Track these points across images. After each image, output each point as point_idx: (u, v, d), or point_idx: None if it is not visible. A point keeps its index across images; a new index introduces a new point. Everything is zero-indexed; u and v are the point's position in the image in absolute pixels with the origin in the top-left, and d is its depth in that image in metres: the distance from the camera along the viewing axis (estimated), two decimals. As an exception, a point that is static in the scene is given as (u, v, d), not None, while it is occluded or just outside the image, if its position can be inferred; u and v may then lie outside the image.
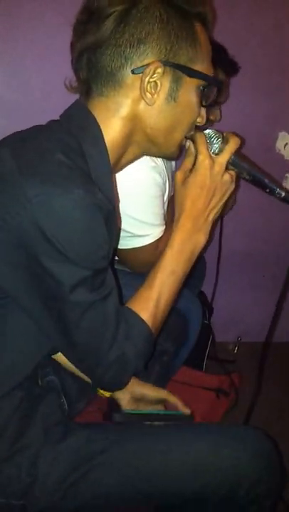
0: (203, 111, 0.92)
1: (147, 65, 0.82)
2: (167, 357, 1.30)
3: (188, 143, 0.93)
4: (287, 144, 2.05)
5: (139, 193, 1.10)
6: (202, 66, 0.86)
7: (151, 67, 0.82)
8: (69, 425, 0.96)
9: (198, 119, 0.92)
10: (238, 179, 0.96)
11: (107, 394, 1.09)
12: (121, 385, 0.91)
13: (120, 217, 1.11)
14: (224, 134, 0.93)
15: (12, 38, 1.70)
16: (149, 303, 0.90)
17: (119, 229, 1.12)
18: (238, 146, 0.92)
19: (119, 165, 0.94)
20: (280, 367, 2.16)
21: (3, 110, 1.76)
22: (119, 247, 1.31)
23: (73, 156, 0.80)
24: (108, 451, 0.91)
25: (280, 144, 2.05)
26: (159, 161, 1.30)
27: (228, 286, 2.20)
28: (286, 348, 2.27)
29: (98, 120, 0.86)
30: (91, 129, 0.86)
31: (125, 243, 1.30)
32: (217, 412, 1.71)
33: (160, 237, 1.32)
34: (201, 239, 0.93)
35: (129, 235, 1.28)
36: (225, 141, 0.92)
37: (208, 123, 1.55)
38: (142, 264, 1.21)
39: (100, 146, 0.86)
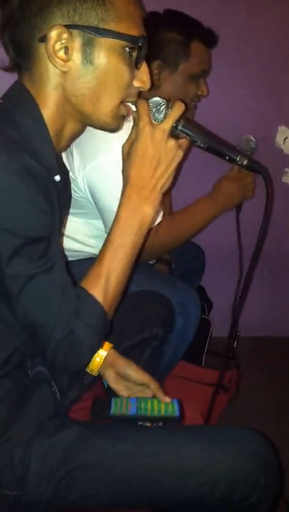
0: (142, 73, 0.88)
1: (50, 30, 0.80)
2: (157, 342, 1.30)
3: (133, 112, 0.89)
4: (286, 138, 2.04)
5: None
6: (118, 25, 0.82)
7: (55, 32, 0.80)
8: (63, 419, 0.96)
9: (137, 83, 0.88)
10: (191, 147, 0.92)
11: (94, 373, 1.06)
12: (77, 366, 0.88)
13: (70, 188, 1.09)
14: (170, 102, 0.89)
15: None
16: (100, 279, 0.86)
17: (70, 198, 1.09)
18: (182, 111, 0.88)
19: (63, 139, 0.92)
20: (280, 362, 2.17)
21: None
22: None
23: (3, 126, 0.80)
24: (98, 450, 0.90)
25: (279, 138, 2.05)
26: None
27: (227, 281, 2.20)
28: (286, 343, 2.28)
29: (33, 94, 0.86)
30: (27, 103, 0.86)
31: None
32: (216, 407, 1.71)
33: (160, 222, 1.31)
34: (148, 209, 0.88)
35: None
36: (170, 107, 0.88)
37: (196, 98, 1.55)
38: (144, 252, 1.21)
39: (36, 116, 0.85)
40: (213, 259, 1.98)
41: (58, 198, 0.85)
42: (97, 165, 1.21)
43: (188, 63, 1.46)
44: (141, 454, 0.90)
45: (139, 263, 0.98)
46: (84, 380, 1.14)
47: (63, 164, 1.02)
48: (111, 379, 1.11)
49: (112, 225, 0.89)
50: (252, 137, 1.53)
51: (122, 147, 0.92)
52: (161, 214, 1.33)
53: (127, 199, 0.88)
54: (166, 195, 1.41)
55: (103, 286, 0.86)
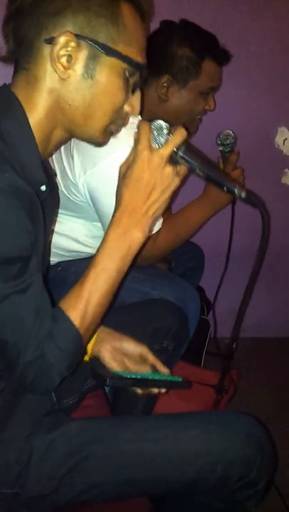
0: (134, 100, 0.89)
1: (59, 35, 0.80)
2: (165, 356, 1.24)
3: (135, 134, 0.88)
4: (286, 139, 2.04)
5: None
6: (125, 48, 0.83)
7: (64, 38, 0.79)
8: (59, 416, 0.96)
9: (127, 108, 0.88)
10: (188, 175, 0.91)
11: (88, 353, 1.04)
12: (45, 388, 0.84)
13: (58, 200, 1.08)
14: (173, 127, 0.87)
15: None
16: (79, 301, 0.84)
17: (57, 202, 1.07)
18: (183, 138, 0.86)
19: (50, 146, 0.90)
20: (278, 362, 2.17)
21: None
22: None
23: None
24: (100, 440, 0.91)
25: (279, 140, 2.05)
26: None
27: (227, 282, 2.20)
28: (284, 344, 2.28)
29: (21, 97, 0.84)
30: (11, 106, 0.84)
31: None
32: (216, 408, 1.71)
33: (158, 230, 1.31)
34: (138, 235, 0.86)
35: None
36: (172, 133, 0.87)
37: (203, 112, 1.54)
38: (142, 258, 1.21)
39: (22, 123, 0.83)
40: (213, 260, 1.97)
41: (42, 210, 0.83)
42: (97, 171, 1.21)
43: (198, 81, 1.44)
44: (142, 440, 0.92)
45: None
46: (84, 386, 1.13)
47: (50, 169, 1.00)
48: (107, 356, 1.06)
49: (100, 246, 0.87)
50: (231, 132, 1.54)
51: (120, 167, 0.90)
52: (160, 221, 1.32)
53: (117, 222, 0.86)
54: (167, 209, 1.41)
55: (82, 310, 0.84)
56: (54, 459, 0.89)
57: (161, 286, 1.39)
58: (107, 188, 1.21)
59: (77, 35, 0.80)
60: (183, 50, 1.40)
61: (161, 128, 0.86)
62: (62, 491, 0.89)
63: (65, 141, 0.93)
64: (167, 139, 0.86)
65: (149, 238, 0.91)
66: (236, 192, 0.88)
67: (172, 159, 0.87)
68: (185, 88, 1.43)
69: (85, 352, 0.89)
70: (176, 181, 0.88)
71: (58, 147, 0.94)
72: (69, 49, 0.80)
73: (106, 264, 0.86)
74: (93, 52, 0.82)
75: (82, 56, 0.81)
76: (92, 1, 0.80)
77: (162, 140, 0.86)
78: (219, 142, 1.54)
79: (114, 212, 0.87)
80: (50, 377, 0.82)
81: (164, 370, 1.05)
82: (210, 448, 0.91)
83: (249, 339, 2.19)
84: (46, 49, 0.81)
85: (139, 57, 0.85)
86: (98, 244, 0.91)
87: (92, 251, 1.43)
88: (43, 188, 0.87)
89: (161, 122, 0.86)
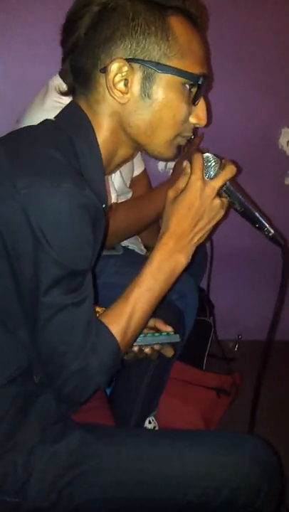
0: (199, 110, 0.90)
1: (110, 62, 0.82)
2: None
3: (186, 163, 0.92)
4: (290, 140, 2.04)
5: None
6: (179, 61, 0.84)
7: (115, 65, 0.82)
8: (67, 424, 0.95)
9: (193, 120, 0.90)
10: (228, 209, 0.94)
11: None
12: (80, 399, 0.88)
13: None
14: (222, 161, 0.91)
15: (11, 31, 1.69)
16: (122, 317, 0.88)
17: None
18: (233, 174, 0.90)
19: (112, 164, 0.94)
20: (280, 366, 2.15)
21: (5, 106, 1.76)
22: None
23: (66, 152, 0.81)
24: (101, 455, 0.90)
25: (282, 141, 2.04)
26: None
27: (229, 284, 2.19)
28: (287, 347, 2.26)
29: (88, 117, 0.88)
30: (84, 127, 0.87)
31: None
32: (217, 410, 1.70)
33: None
34: (182, 260, 0.91)
35: None
36: (222, 167, 0.91)
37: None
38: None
39: (93, 144, 0.87)
40: (215, 262, 1.97)
41: (102, 228, 0.86)
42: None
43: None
44: (144, 459, 0.91)
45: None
46: None
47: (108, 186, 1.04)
48: None
49: (145, 266, 0.90)
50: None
51: (168, 192, 0.93)
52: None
53: (165, 245, 0.90)
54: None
55: (124, 326, 0.87)
56: (56, 470, 0.88)
57: None
58: None
59: (128, 59, 0.82)
60: None
61: (208, 160, 0.90)
62: (61, 505, 0.88)
63: (129, 158, 0.97)
64: (217, 173, 0.90)
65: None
66: (265, 229, 0.93)
67: (218, 192, 0.90)
68: None
69: (121, 366, 0.91)
70: (222, 213, 0.92)
71: (121, 165, 0.98)
72: (124, 74, 0.83)
73: (150, 284, 0.89)
74: (147, 72, 0.83)
75: (137, 78, 0.84)
76: (137, 20, 0.81)
77: (211, 172, 0.90)
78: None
79: (162, 235, 0.91)
80: (88, 389, 0.86)
81: (167, 328, 1.04)
82: (214, 471, 0.89)
83: (251, 342, 2.18)
84: (102, 78, 0.84)
85: (196, 68, 0.85)
86: None
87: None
88: (104, 206, 0.89)
89: (211, 156, 0.90)
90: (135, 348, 1.02)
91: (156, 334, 1.03)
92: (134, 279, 0.90)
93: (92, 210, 0.78)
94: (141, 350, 1.03)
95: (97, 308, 1.02)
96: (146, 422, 1.53)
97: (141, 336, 1.00)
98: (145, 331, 1.05)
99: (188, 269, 0.94)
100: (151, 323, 1.06)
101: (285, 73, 1.94)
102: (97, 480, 0.89)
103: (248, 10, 1.83)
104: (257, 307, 2.05)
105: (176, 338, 1.03)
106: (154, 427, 1.54)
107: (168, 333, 1.03)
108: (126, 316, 0.88)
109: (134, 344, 0.99)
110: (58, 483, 0.88)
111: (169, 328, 1.04)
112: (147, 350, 1.03)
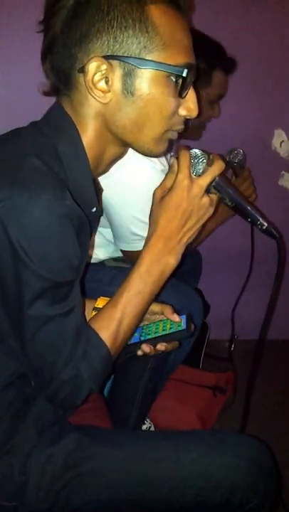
0: (188, 101, 0.84)
1: (88, 62, 0.77)
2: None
3: (173, 160, 0.88)
4: (283, 141, 2.05)
5: (149, 196, 1.11)
6: (161, 54, 0.78)
7: (92, 64, 0.77)
8: (63, 426, 0.95)
9: (183, 112, 0.85)
10: (218, 204, 0.92)
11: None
12: (74, 404, 0.88)
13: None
14: (210, 156, 0.88)
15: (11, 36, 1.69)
16: (112, 323, 0.86)
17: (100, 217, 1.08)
18: (222, 169, 0.87)
19: (102, 164, 0.90)
20: (275, 365, 2.17)
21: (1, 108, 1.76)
22: (130, 249, 1.32)
23: (48, 159, 0.78)
24: (98, 457, 0.90)
25: (276, 142, 2.05)
26: (167, 163, 1.29)
27: (224, 284, 2.20)
28: (282, 346, 2.27)
29: (73, 119, 0.84)
30: (67, 129, 0.84)
31: (135, 245, 1.30)
32: (214, 409, 1.71)
33: None
34: (171, 261, 0.89)
35: (138, 237, 1.28)
36: (210, 163, 0.87)
37: (208, 120, 1.56)
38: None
39: (77, 147, 0.84)
40: (210, 263, 1.98)
41: (90, 233, 0.84)
42: (113, 181, 1.20)
43: (207, 90, 1.48)
44: (141, 460, 0.91)
45: None
46: None
47: (99, 186, 1.00)
48: None
49: (133, 270, 0.88)
50: (240, 150, 1.62)
51: (154, 192, 0.91)
52: None
53: (153, 247, 0.88)
54: None
55: (114, 331, 0.86)
56: (53, 473, 0.88)
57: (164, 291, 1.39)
58: (123, 197, 1.22)
59: (106, 57, 0.77)
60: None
61: (198, 157, 0.87)
62: (59, 507, 0.88)
63: (120, 156, 0.93)
64: (205, 169, 0.87)
65: None
66: (258, 222, 0.90)
67: (207, 188, 0.88)
68: None
69: (112, 370, 0.90)
70: (211, 211, 0.89)
71: (111, 164, 0.94)
72: (103, 72, 0.78)
73: (140, 288, 0.88)
74: (128, 68, 0.78)
75: (117, 75, 0.79)
76: (112, 14, 0.76)
77: (199, 169, 0.87)
78: (228, 159, 1.60)
79: (150, 236, 0.89)
80: (80, 396, 0.85)
81: (175, 318, 1.01)
82: (210, 472, 0.89)
83: (247, 341, 2.19)
84: (82, 78, 0.80)
85: (180, 58, 0.79)
86: (100, 252, 0.90)
87: (94, 257, 1.43)
88: (94, 209, 0.88)
89: (198, 152, 0.87)
90: (146, 349, 0.98)
91: (163, 331, 0.99)
92: (123, 282, 0.88)
93: (75, 220, 0.76)
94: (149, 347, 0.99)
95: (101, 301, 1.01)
96: (141, 422, 1.54)
97: (149, 329, 0.98)
98: (152, 317, 1.03)
99: (184, 274, 0.93)
100: (159, 308, 1.03)
101: (277, 74, 1.95)
102: (94, 482, 0.89)
103: (245, 11, 1.84)
104: (253, 307, 2.07)
105: (184, 335, 0.99)
106: (149, 427, 1.54)
107: (176, 327, 0.99)
108: (116, 321, 0.86)
109: (142, 339, 0.96)
110: (55, 486, 0.87)
111: (177, 318, 1.01)
112: (148, 349, 1.00)
